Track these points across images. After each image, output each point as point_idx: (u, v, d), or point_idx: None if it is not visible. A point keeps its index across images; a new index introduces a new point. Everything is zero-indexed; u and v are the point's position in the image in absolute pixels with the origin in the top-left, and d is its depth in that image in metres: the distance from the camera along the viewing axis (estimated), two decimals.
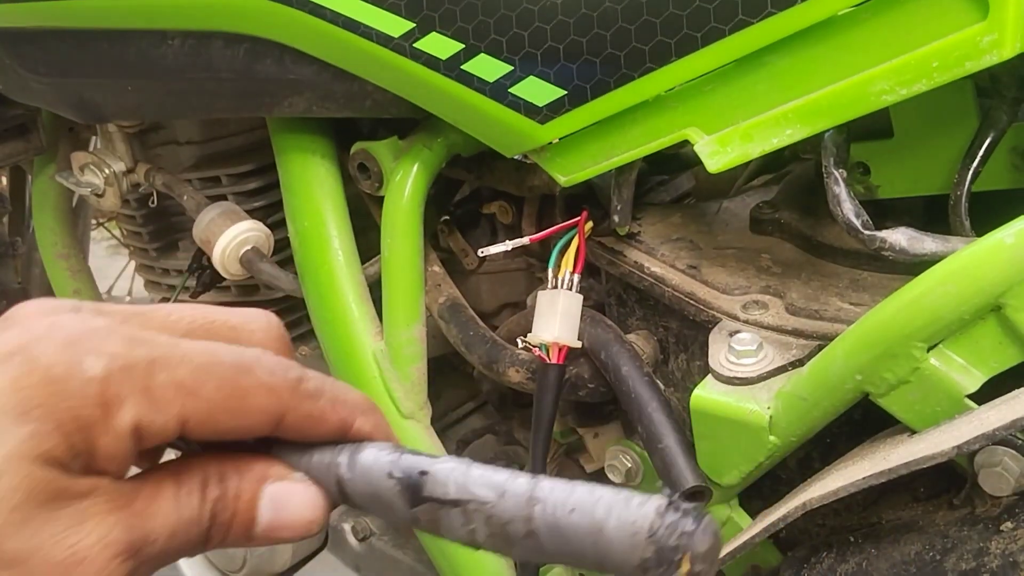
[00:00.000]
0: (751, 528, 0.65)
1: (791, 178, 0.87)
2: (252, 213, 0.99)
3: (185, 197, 1.01)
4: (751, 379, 0.65)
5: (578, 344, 0.76)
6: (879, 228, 0.63)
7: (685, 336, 0.77)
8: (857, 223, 0.64)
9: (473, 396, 1.12)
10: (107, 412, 0.33)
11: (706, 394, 0.66)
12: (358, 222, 0.90)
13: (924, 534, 0.58)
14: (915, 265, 0.60)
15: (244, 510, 0.38)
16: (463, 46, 0.70)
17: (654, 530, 0.38)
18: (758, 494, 0.71)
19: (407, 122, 0.85)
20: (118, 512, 0.34)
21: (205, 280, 1.05)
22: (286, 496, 0.38)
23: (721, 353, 0.67)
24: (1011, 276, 0.52)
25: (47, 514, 0.32)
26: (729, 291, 0.73)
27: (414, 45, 0.71)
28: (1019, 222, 0.53)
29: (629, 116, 0.67)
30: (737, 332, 0.68)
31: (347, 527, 1.11)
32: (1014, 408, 0.51)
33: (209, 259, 0.97)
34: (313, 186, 0.89)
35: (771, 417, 0.63)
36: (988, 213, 0.60)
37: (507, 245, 0.78)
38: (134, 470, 0.36)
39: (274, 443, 0.40)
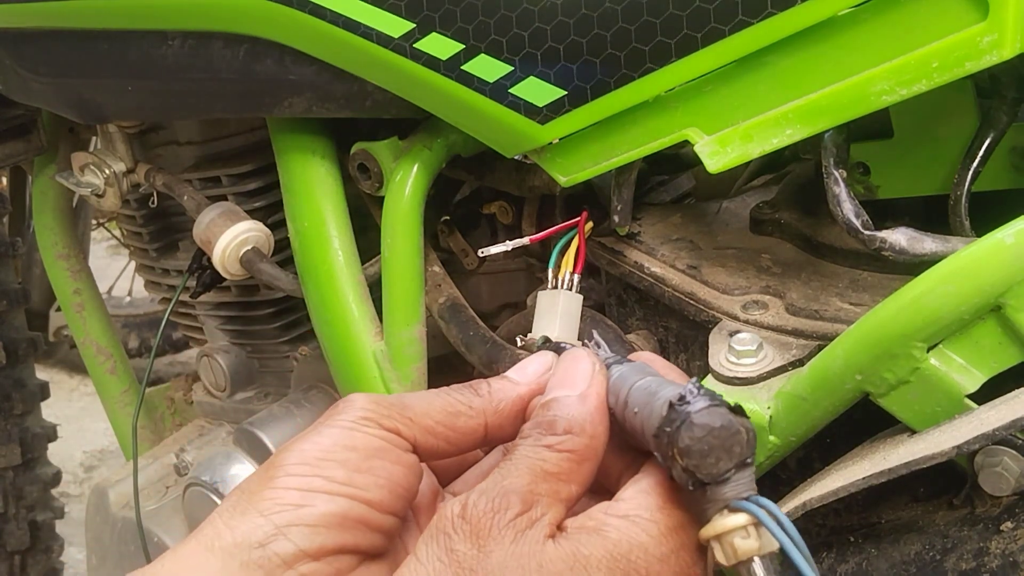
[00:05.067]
0: None
1: (791, 178, 0.87)
2: (252, 213, 0.99)
3: (185, 197, 1.01)
4: (751, 379, 0.65)
5: (578, 344, 0.76)
6: (879, 228, 0.63)
7: (685, 336, 0.77)
8: (857, 223, 0.64)
9: None
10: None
11: None
12: (358, 222, 0.90)
13: (924, 534, 0.58)
14: (915, 265, 0.60)
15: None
16: (463, 46, 0.70)
17: (659, 427, 0.46)
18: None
19: (407, 122, 0.85)
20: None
21: (205, 280, 1.05)
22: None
23: (721, 353, 0.67)
24: (1011, 276, 0.52)
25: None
26: (729, 291, 0.73)
27: (414, 45, 0.71)
28: (1019, 222, 0.53)
29: (629, 116, 0.67)
30: (737, 332, 0.68)
31: None
32: (1014, 408, 0.51)
33: (209, 259, 0.97)
34: (313, 186, 0.88)
35: (771, 417, 0.63)
36: (988, 213, 0.60)
37: (507, 245, 0.78)
38: None
39: None
